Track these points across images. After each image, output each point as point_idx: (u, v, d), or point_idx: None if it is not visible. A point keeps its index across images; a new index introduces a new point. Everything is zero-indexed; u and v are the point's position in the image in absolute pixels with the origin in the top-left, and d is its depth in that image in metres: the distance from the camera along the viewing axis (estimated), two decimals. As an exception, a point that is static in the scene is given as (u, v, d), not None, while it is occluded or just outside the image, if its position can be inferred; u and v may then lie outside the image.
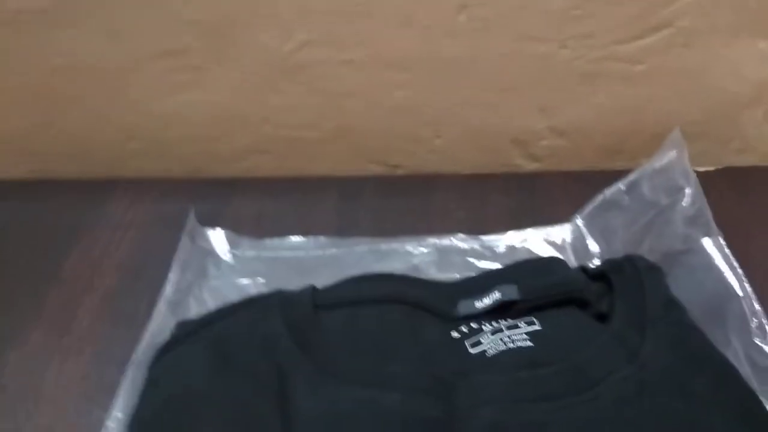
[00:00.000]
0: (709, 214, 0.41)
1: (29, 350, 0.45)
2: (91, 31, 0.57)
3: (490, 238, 0.51)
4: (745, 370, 0.37)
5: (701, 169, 0.62)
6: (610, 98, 0.62)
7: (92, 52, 0.58)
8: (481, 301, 0.41)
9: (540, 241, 0.50)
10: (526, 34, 0.58)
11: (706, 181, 0.59)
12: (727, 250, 0.40)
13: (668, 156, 0.45)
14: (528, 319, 0.40)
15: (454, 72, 0.60)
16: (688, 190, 0.42)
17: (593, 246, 0.48)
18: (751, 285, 0.45)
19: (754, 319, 0.38)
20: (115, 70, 0.59)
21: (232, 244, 0.51)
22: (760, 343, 0.37)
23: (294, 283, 0.44)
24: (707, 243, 0.41)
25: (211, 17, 0.57)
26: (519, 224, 0.53)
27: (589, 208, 0.49)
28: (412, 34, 0.58)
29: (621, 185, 0.47)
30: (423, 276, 0.48)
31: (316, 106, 0.62)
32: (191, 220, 0.50)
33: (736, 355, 0.38)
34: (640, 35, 0.58)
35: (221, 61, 0.59)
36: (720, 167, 0.62)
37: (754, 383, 0.37)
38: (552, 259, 0.45)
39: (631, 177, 0.47)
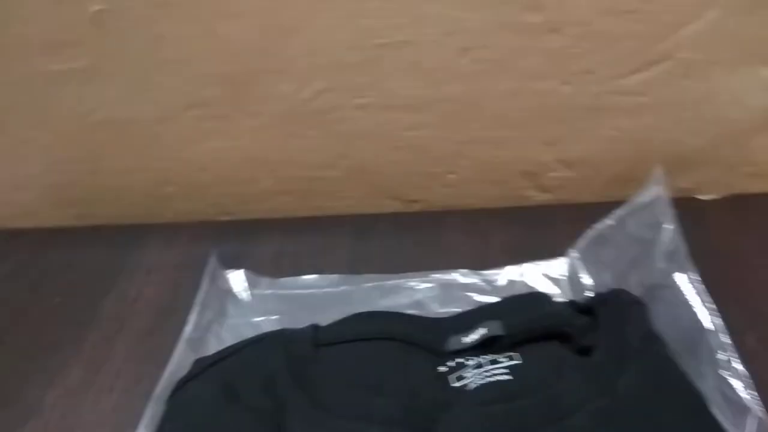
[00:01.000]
0: (684, 250, 0.43)
1: (68, 386, 0.50)
2: (127, 86, 0.63)
3: (490, 273, 0.54)
4: (718, 401, 0.39)
5: (705, 197, 0.63)
6: (615, 130, 0.64)
7: (128, 106, 0.64)
8: (468, 336, 0.44)
9: (538, 274, 0.53)
10: (527, 73, 0.61)
11: (709, 209, 0.61)
12: (700, 285, 0.42)
13: (651, 192, 0.46)
14: (510, 353, 0.42)
15: (461, 111, 0.63)
16: (666, 227, 0.44)
17: (587, 279, 0.50)
18: (743, 312, 0.47)
19: (721, 352, 0.39)
20: (149, 121, 0.64)
21: (251, 284, 0.55)
22: (726, 376, 0.38)
23: (305, 319, 0.48)
24: (681, 278, 0.42)
25: (234, 70, 0.62)
26: (520, 257, 0.56)
27: (584, 242, 0.52)
28: (420, 78, 0.61)
29: (610, 220, 0.49)
30: (426, 310, 0.52)
31: (334, 148, 0.66)
32: (212, 263, 0.54)
33: (710, 388, 0.39)
34: (640, 68, 0.60)
35: (245, 109, 0.64)
36: (726, 195, 0.63)
37: (728, 415, 0.39)
38: (538, 295, 0.48)
39: (620, 212, 0.49)
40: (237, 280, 0.55)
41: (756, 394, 0.38)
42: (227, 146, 0.66)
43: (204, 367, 0.44)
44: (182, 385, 0.44)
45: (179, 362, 0.47)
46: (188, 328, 0.49)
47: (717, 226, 0.58)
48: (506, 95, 0.62)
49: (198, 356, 0.47)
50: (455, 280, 0.54)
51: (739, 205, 0.61)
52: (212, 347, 0.49)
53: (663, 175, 0.47)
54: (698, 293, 0.42)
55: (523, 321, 0.44)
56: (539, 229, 0.60)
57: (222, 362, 0.44)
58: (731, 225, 0.58)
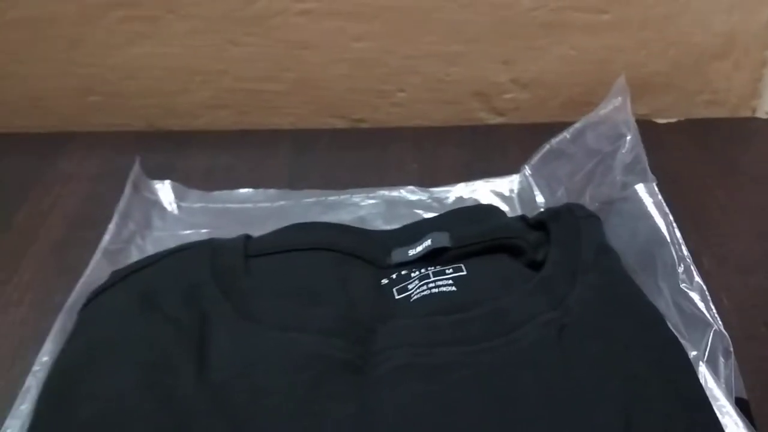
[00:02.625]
0: (645, 160, 0.41)
1: (-29, 298, 0.45)
2: (45, -19, 0.56)
3: (439, 190, 0.51)
4: (674, 317, 0.37)
5: (664, 120, 0.61)
6: (575, 49, 0.61)
7: (47, 3, 0.58)
8: (414, 248, 0.41)
9: (488, 192, 0.50)
10: (486, -17, 0.57)
11: (667, 132, 0.59)
12: (659, 197, 0.40)
13: (612, 103, 0.44)
14: (456, 265, 0.39)
15: (413, 22, 0.59)
16: (627, 137, 0.41)
17: (539, 197, 0.48)
18: (699, 235, 0.45)
19: (681, 265, 0.37)
20: (70, 21, 0.58)
21: (179, 196, 0.50)
22: (685, 289, 0.36)
23: (238, 233, 0.44)
24: (641, 189, 0.40)
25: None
26: (471, 176, 0.53)
27: (536, 158, 0.49)
28: (372, -17, 0.57)
29: (567, 134, 0.46)
30: (370, 227, 0.48)
31: (276, 58, 0.61)
32: (136, 170, 0.50)
33: (666, 303, 0.37)
34: (603, -18, 0.57)
35: (177, 11, 0.58)
36: (684, 119, 0.61)
37: (682, 330, 0.36)
38: (487, 207, 0.45)
39: (577, 125, 0.46)
40: (164, 191, 0.50)
41: (714, 309, 0.36)
42: (157, 52, 0.60)
43: (120, 277, 0.40)
44: (96, 295, 0.39)
45: (94, 274, 0.42)
46: (106, 237, 0.45)
47: (673, 149, 0.56)
48: (462, 6, 0.59)
49: (115, 269, 0.42)
50: (402, 196, 0.50)
51: (696, 129, 0.60)
52: (134, 260, 0.45)
53: (625, 85, 0.44)
54: (657, 204, 0.39)
55: (471, 233, 0.41)
56: (491, 149, 0.57)
57: (141, 271, 0.40)
58: (688, 149, 0.57)
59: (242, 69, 0.62)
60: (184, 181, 0.53)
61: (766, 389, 0.37)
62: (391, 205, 0.50)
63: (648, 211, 0.39)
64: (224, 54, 0.61)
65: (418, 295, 0.38)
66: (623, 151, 0.41)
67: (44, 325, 0.41)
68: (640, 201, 0.40)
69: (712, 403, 0.33)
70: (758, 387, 0.36)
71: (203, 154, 0.57)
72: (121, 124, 0.62)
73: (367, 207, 0.50)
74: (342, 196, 0.51)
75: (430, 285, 0.38)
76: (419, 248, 0.40)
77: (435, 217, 0.44)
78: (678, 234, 0.38)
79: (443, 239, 0.40)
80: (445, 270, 0.39)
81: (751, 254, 0.46)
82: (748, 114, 0.64)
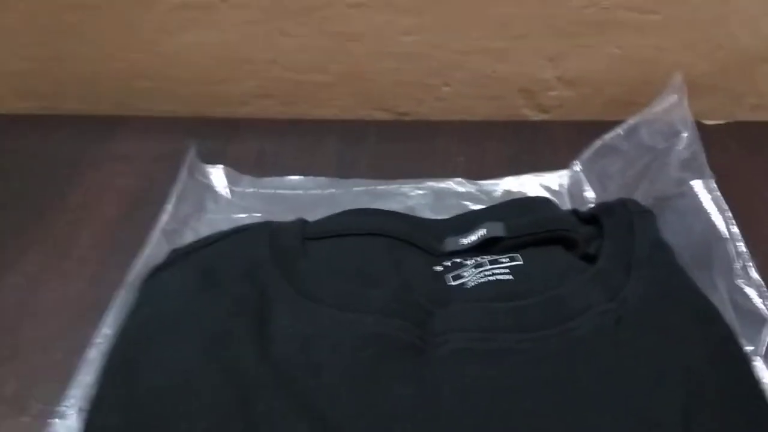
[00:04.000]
0: (703, 157, 0.41)
1: (30, 272, 0.46)
2: (101, -34, 0.57)
3: (487, 183, 0.51)
4: (729, 313, 0.37)
5: (711, 122, 0.61)
6: (622, 48, 0.61)
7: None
8: (467, 237, 0.41)
9: (537, 186, 0.50)
10: (537, -21, 0.57)
11: (714, 134, 0.59)
12: (717, 193, 0.40)
13: (668, 101, 0.44)
14: (512, 255, 0.40)
15: (462, 16, 0.60)
16: (684, 134, 0.42)
17: (589, 192, 0.48)
18: (748, 237, 0.45)
19: (738, 261, 0.37)
20: (124, 4, 0.59)
21: (231, 181, 0.51)
22: (742, 285, 0.36)
23: (289, 219, 0.44)
24: (698, 185, 0.40)
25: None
26: (518, 170, 0.53)
27: (588, 153, 0.49)
28: (423, -22, 0.57)
29: (620, 130, 0.47)
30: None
31: (324, 50, 0.62)
32: (191, 156, 0.51)
33: (721, 299, 0.37)
34: (654, -17, 0.57)
35: (231, 0, 0.59)
36: (731, 121, 0.61)
37: (737, 326, 0.37)
38: (542, 199, 0.45)
39: (631, 122, 0.46)
40: (217, 175, 0.51)
41: (771, 305, 0.36)
42: (208, 41, 0.61)
43: (180, 256, 0.41)
44: (156, 273, 0.40)
45: (153, 252, 0.43)
46: (164, 218, 0.46)
47: (721, 150, 0.56)
48: (512, 3, 0.59)
49: (173, 248, 0.43)
50: (450, 188, 0.51)
51: (743, 132, 0.59)
52: (189, 240, 0.46)
53: (681, 83, 0.44)
54: (715, 200, 0.39)
55: (526, 223, 0.41)
56: (538, 145, 0.57)
57: (201, 250, 0.41)
58: (735, 150, 0.56)
59: (291, 59, 0.62)
60: (234, 166, 0.53)
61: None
62: (440, 196, 0.50)
63: (705, 207, 0.39)
64: (274, 44, 0.61)
65: (474, 282, 0.38)
66: (680, 148, 0.42)
67: (102, 300, 0.42)
68: (696, 197, 0.40)
69: (768, 397, 0.33)
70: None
71: (252, 141, 0.58)
72: (170, 110, 0.63)
73: (415, 197, 0.50)
74: (391, 186, 0.51)
75: (486, 273, 0.38)
76: (473, 237, 0.41)
77: (488, 207, 0.45)
78: (735, 230, 0.38)
79: (498, 229, 0.41)
80: (500, 259, 0.39)
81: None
82: (794, 118, 0.63)
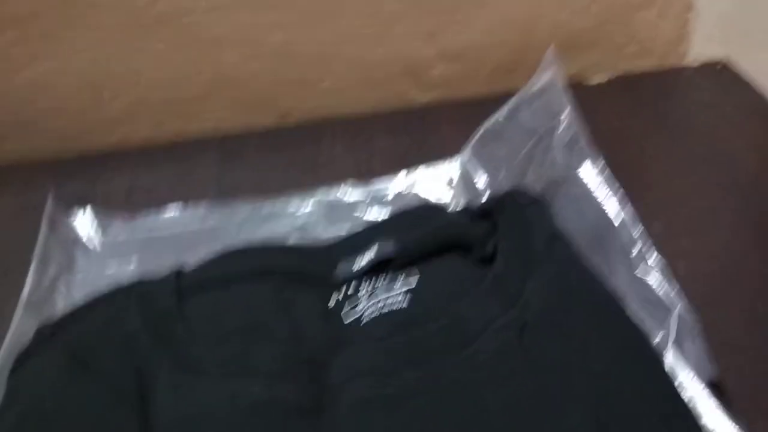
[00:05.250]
0: (584, 138, 0.39)
1: None
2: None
3: (377, 188, 0.48)
4: (633, 303, 0.36)
5: (595, 80, 0.60)
6: (499, 14, 0.59)
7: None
8: (359, 262, 0.38)
9: (428, 182, 0.48)
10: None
11: (599, 93, 0.58)
12: (604, 175, 0.38)
13: (544, 77, 0.42)
14: (405, 278, 0.37)
15: (330, 7, 0.56)
16: (563, 115, 0.40)
17: (480, 181, 0.46)
18: (646, 199, 0.44)
19: (633, 248, 0.36)
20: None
21: (102, 227, 0.47)
22: (641, 274, 0.35)
23: (170, 262, 0.41)
24: (585, 168, 0.38)
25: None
26: (407, 164, 0.50)
27: (473, 141, 0.47)
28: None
29: (500, 114, 0.44)
30: (310, 235, 0.46)
31: (187, 60, 0.57)
32: (50, 206, 0.46)
33: (624, 286, 0.36)
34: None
35: (73, 24, 0.54)
36: (614, 77, 0.60)
37: (642, 316, 0.35)
38: (430, 206, 0.43)
39: (510, 104, 0.44)
40: (84, 224, 0.47)
41: (673, 290, 0.35)
42: (58, 69, 0.56)
43: (47, 335, 0.37)
44: (23, 360, 0.36)
45: (19, 331, 0.39)
46: (26, 290, 0.41)
47: (608, 110, 0.55)
48: (374, -16, 0.55)
49: (41, 321, 0.39)
50: (340, 199, 0.48)
51: (628, 85, 0.58)
52: (60, 309, 0.42)
53: (556, 57, 0.42)
54: (603, 184, 0.37)
55: (417, 236, 0.39)
56: (426, 132, 0.55)
57: (69, 328, 0.37)
58: (621, 108, 0.55)
59: (154, 76, 0.58)
60: (106, 204, 0.49)
61: (733, 357, 0.36)
62: (330, 209, 0.47)
63: (593, 192, 0.38)
64: (132, 62, 0.57)
65: (368, 318, 0.36)
66: (560, 130, 0.40)
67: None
68: (584, 182, 0.38)
69: (682, 389, 0.32)
70: (726, 354, 0.35)
71: (122, 175, 0.53)
72: (32, 151, 0.58)
73: (304, 216, 0.47)
74: (276, 206, 0.48)
75: (379, 304, 0.36)
76: (365, 260, 0.38)
77: (379, 223, 0.42)
78: (629, 213, 0.37)
79: (388, 247, 0.38)
80: (393, 285, 0.37)
81: (699, 214, 0.45)
82: (676, 61, 0.63)
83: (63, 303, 0.42)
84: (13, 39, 0.54)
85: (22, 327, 0.40)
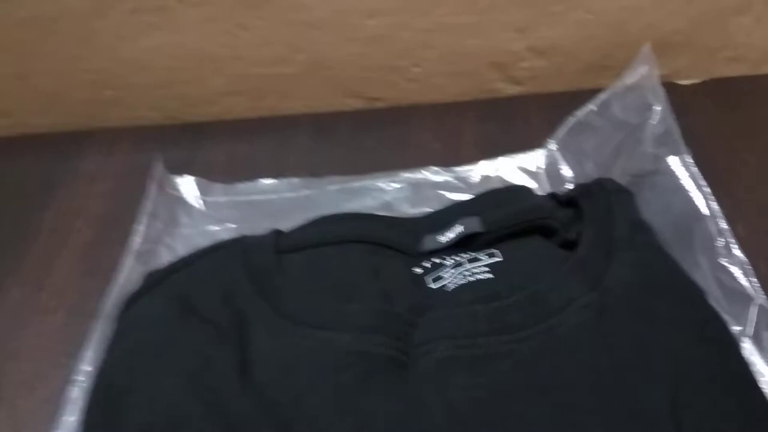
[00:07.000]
0: (677, 132, 0.40)
1: (8, 307, 0.45)
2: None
3: (463, 169, 0.50)
4: (714, 293, 0.36)
5: (685, 82, 0.60)
6: (591, 13, 0.59)
7: (55, 1, 0.57)
8: (445, 235, 0.40)
9: (514, 169, 0.49)
10: (499, -50, 0.55)
11: (690, 95, 0.58)
12: (694, 168, 0.39)
13: (638, 72, 0.42)
14: (490, 251, 0.39)
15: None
16: (656, 108, 0.40)
17: (566, 171, 0.47)
18: (731, 201, 0.44)
19: (719, 239, 0.36)
20: (80, 15, 0.58)
21: (203, 191, 0.50)
22: (725, 264, 0.36)
23: (265, 226, 0.44)
24: (674, 161, 0.39)
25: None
26: (494, 152, 0.52)
27: (562, 131, 0.48)
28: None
29: (592, 106, 0.45)
30: (396, 212, 0.48)
31: (287, 40, 0.60)
32: (158, 169, 0.49)
33: (705, 278, 0.37)
34: (619, -58, 0.55)
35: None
36: (707, 79, 0.60)
37: (723, 305, 0.36)
38: (518, 188, 0.44)
39: (603, 96, 0.45)
40: (187, 186, 0.50)
41: (756, 281, 0.35)
42: (169, 42, 0.59)
43: (156, 281, 0.40)
44: (132, 301, 0.40)
45: (128, 277, 0.43)
46: (136, 240, 0.45)
47: (698, 111, 0.55)
48: (475, -24, 0.57)
49: (148, 270, 0.42)
50: (426, 178, 0.50)
51: (720, 89, 0.58)
52: (164, 260, 0.45)
53: (651, 53, 0.43)
54: (692, 177, 0.38)
55: (502, 216, 0.40)
56: (513, 122, 0.56)
57: (175, 275, 0.40)
58: (712, 110, 0.55)
59: (254, 53, 0.61)
60: (206, 172, 0.52)
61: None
62: (417, 188, 0.49)
63: (682, 184, 0.38)
64: (235, 39, 0.60)
65: (455, 285, 0.38)
66: (653, 123, 0.40)
67: (82, 332, 0.41)
68: (673, 174, 0.39)
69: (759, 379, 0.32)
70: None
71: (223, 144, 0.57)
72: (139, 117, 0.62)
73: (392, 192, 0.49)
74: (366, 182, 0.50)
75: (466, 273, 0.38)
76: (451, 235, 0.40)
77: (464, 201, 0.44)
78: (715, 207, 0.38)
79: (475, 224, 0.40)
80: (479, 256, 0.39)
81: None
82: (770, 69, 0.62)
83: (167, 254, 0.46)
84: (130, 9, 0.58)
85: (130, 273, 0.43)
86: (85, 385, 0.37)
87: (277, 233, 0.42)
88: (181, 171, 0.52)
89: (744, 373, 0.33)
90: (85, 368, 0.38)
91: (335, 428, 0.32)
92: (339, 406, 0.33)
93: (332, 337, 0.35)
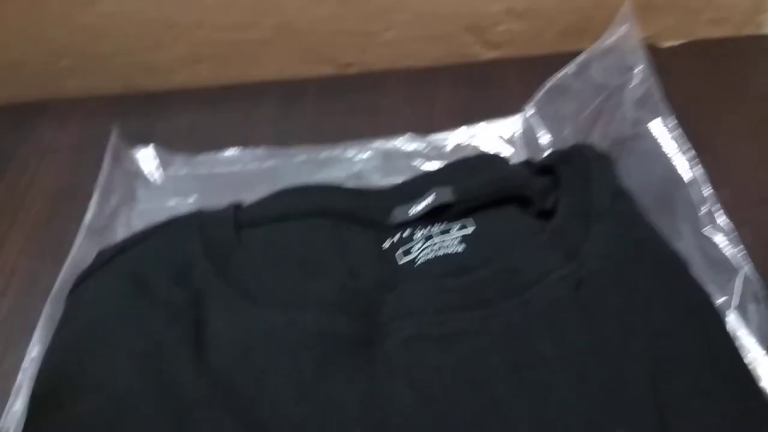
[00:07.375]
0: (658, 94, 0.38)
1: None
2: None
3: (437, 137, 0.48)
4: (697, 263, 0.35)
5: (667, 44, 0.58)
6: (570, -27, 0.57)
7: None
8: (415, 207, 0.38)
9: (489, 136, 0.47)
10: None
11: (672, 57, 0.56)
12: (675, 133, 0.37)
13: (618, 32, 0.40)
14: (463, 221, 0.37)
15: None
16: (637, 69, 0.38)
17: (544, 137, 0.45)
18: (716, 165, 0.42)
19: (701, 207, 0.34)
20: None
21: (163, 163, 0.48)
22: (709, 233, 0.34)
23: (227, 200, 0.41)
24: (655, 125, 0.37)
25: None
26: (470, 119, 0.50)
27: (538, 96, 0.46)
28: None
29: (570, 68, 0.43)
30: (365, 183, 0.46)
31: (252, 3, 0.57)
32: (114, 140, 0.47)
33: (688, 248, 0.35)
34: None
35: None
36: (689, 41, 0.57)
37: (707, 277, 0.34)
38: (492, 156, 0.42)
39: (580, 59, 0.43)
40: (146, 158, 0.48)
41: (743, 250, 0.33)
42: (126, 8, 0.56)
43: (107, 259, 0.38)
44: (83, 279, 0.37)
45: (80, 255, 0.40)
46: (88, 215, 0.42)
47: (680, 74, 0.53)
48: (447, -66, 0.54)
49: (102, 247, 0.40)
50: (398, 147, 0.48)
51: (702, 51, 0.56)
52: (120, 237, 0.42)
53: (631, 12, 0.40)
54: (675, 140, 0.36)
55: (476, 185, 0.38)
56: (489, 88, 0.54)
57: (128, 251, 0.38)
58: (695, 73, 0.53)
59: (219, 18, 0.58)
60: (166, 144, 0.50)
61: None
62: (387, 158, 0.47)
63: (664, 150, 0.36)
64: (197, 3, 0.57)
65: (423, 258, 0.35)
66: (633, 85, 0.38)
67: (34, 314, 0.39)
68: (654, 138, 0.37)
69: (744, 353, 0.31)
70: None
71: (184, 114, 0.54)
72: (97, 88, 0.59)
73: (361, 162, 0.47)
74: (335, 152, 0.48)
75: (435, 247, 0.36)
76: (421, 206, 0.38)
77: (436, 170, 0.42)
78: (699, 172, 0.35)
79: (446, 194, 0.38)
80: (449, 229, 0.37)
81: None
82: (753, 31, 0.60)
83: (123, 231, 0.43)
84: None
85: (82, 251, 0.41)
86: (30, 371, 0.34)
87: (237, 207, 0.39)
88: (140, 142, 0.49)
89: (727, 346, 0.31)
90: (32, 354, 0.36)
91: (295, 413, 0.30)
92: (299, 391, 0.31)
93: (293, 316, 0.33)
